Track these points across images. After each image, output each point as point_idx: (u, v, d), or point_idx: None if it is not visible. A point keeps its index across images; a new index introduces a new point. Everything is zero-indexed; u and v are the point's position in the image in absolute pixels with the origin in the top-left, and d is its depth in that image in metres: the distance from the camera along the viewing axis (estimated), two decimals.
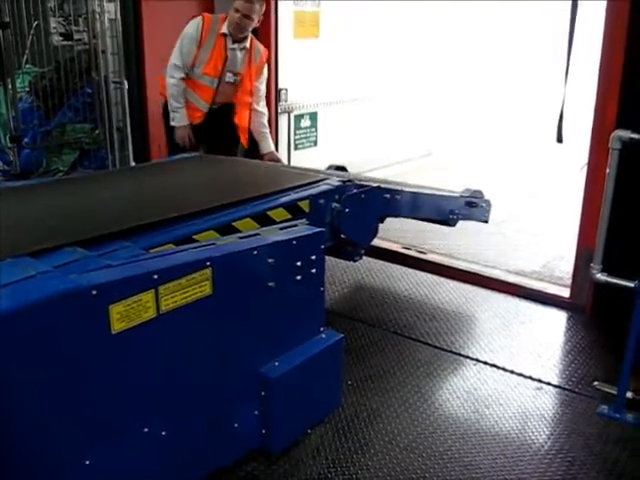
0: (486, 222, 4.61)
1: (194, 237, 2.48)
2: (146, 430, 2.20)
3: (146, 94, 5.14)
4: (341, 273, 4.69)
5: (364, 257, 4.56)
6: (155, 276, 2.09)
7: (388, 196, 3.49)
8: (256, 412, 2.59)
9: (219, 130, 4.55)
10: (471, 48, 8.42)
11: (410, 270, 4.81)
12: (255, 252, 2.43)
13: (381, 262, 4.91)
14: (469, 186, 4.51)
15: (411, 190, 3.85)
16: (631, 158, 3.15)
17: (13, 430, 1.85)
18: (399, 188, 3.68)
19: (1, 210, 2.68)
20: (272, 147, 4.86)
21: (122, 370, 2.09)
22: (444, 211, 4.17)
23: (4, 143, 4.49)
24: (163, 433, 2.25)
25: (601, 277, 3.15)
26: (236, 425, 2.54)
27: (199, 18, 4.47)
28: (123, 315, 2.02)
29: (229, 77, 4.51)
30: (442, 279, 4.65)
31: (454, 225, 4.30)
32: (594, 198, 3.84)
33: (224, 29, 4.41)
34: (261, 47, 4.72)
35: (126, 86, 4.74)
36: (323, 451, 2.83)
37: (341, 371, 2.95)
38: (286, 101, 5.82)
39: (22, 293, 1.86)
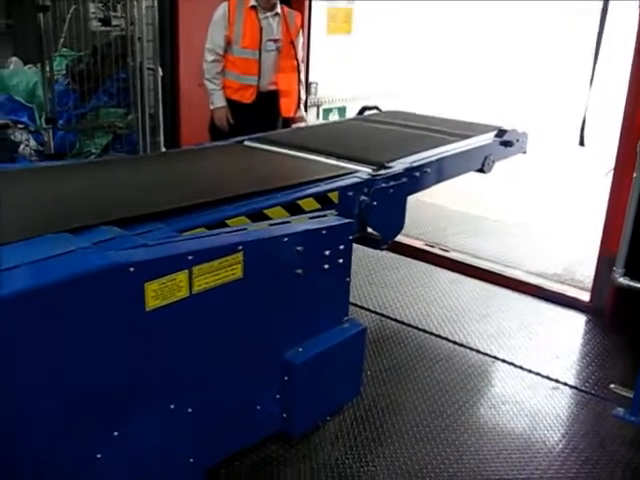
0: (525, 153, 4.54)
1: (226, 222, 2.54)
2: (172, 407, 2.26)
3: (179, 82, 5.21)
4: (364, 267, 4.74)
5: (387, 252, 4.64)
6: (190, 257, 2.15)
7: (418, 174, 3.46)
8: (278, 396, 2.65)
9: (268, 112, 4.62)
10: (500, 48, 8.44)
11: (433, 267, 4.85)
12: (285, 239, 2.48)
13: (404, 258, 4.95)
14: (501, 124, 4.41)
15: (441, 155, 3.73)
16: None
17: (51, 395, 1.92)
18: (430, 159, 3.60)
19: (40, 188, 2.76)
20: (302, 111, 4.96)
21: (153, 347, 2.15)
22: (478, 161, 4.08)
23: (39, 124, 4.59)
24: (189, 410, 2.31)
25: (623, 281, 3.18)
26: (259, 407, 2.59)
27: (225, 2, 4.59)
28: (157, 293, 2.09)
29: (270, 46, 4.58)
30: (464, 277, 4.69)
31: (489, 171, 4.16)
32: (618, 204, 3.87)
33: (252, 2, 4.52)
34: (293, 11, 4.83)
35: (160, 73, 4.82)
36: (341, 438, 2.90)
37: (362, 361, 3.00)
38: (316, 95, 5.88)
39: (64, 267, 1.93)
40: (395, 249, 4.80)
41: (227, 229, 2.46)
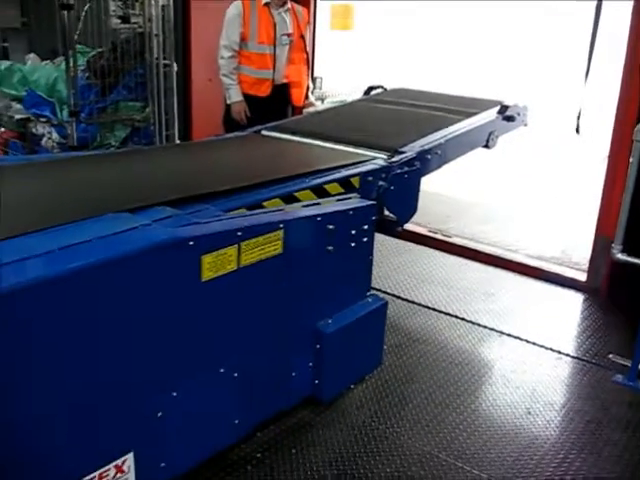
0: (526, 125, 4.72)
1: (263, 204, 2.76)
2: (222, 370, 2.49)
3: (191, 77, 5.43)
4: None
5: (393, 238, 4.89)
6: (239, 233, 2.38)
7: (429, 157, 3.65)
8: (310, 364, 2.89)
9: (280, 103, 4.83)
10: (493, 44, 8.67)
11: (437, 252, 5.09)
12: (319, 219, 2.72)
13: (409, 243, 5.19)
14: (503, 100, 4.57)
15: (450, 136, 3.90)
16: None
17: (125, 354, 2.14)
18: (439, 142, 3.77)
19: (87, 174, 2.98)
20: (312, 97, 5.23)
21: (207, 315, 2.38)
22: (483, 138, 4.26)
23: (61, 117, 4.78)
24: (235, 375, 2.54)
25: (621, 257, 3.45)
26: (294, 374, 2.83)
27: (237, 1, 4.78)
28: (212, 265, 2.32)
29: (284, 40, 4.83)
30: (467, 261, 4.94)
31: (493, 146, 4.33)
32: (613, 187, 4.14)
33: (264, 0, 4.75)
34: (300, 7, 5.07)
35: (175, 68, 5.02)
36: (366, 404, 3.14)
37: (383, 334, 3.24)
38: (321, 89, 6.10)
39: (131, 241, 2.15)
40: (401, 235, 5.04)
41: (267, 209, 2.69)
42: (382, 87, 5.05)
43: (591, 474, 2.76)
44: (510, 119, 4.45)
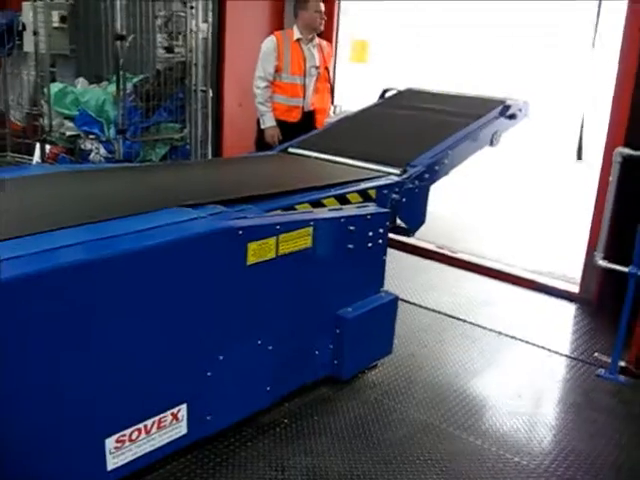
0: (528, 118, 4.99)
1: (295, 207, 3.27)
2: (259, 342, 2.99)
3: (223, 102, 6.00)
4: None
5: (403, 252, 5.39)
6: (277, 227, 2.90)
7: (437, 167, 4.08)
8: (331, 345, 3.38)
9: (307, 128, 5.35)
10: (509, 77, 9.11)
11: (443, 265, 5.60)
12: (342, 220, 3.24)
13: (418, 257, 5.70)
14: (505, 99, 4.84)
15: (458, 143, 4.23)
16: (629, 171, 3.95)
17: (177, 325, 2.63)
18: (447, 151, 4.14)
19: (150, 178, 3.52)
20: (332, 115, 5.81)
21: (249, 294, 2.88)
22: (487, 139, 4.57)
23: (108, 134, 5.33)
24: (270, 347, 3.03)
25: (602, 263, 3.94)
26: (317, 353, 3.32)
27: (272, 36, 5.36)
28: (255, 252, 2.82)
29: (313, 72, 5.40)
30: (470, 273, 5.43)
31: (497, 144, 4.60)
32: (603, 207, 4.62)
33: (296, 36, 5.32)
34: (325, 42, 5.63)
35: (211, 94, 5.58)
36: (378, 384, 3.62)
37: (394, 325, 3.72)
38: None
39: (194, 228, 2.67)
40: (410, 250, 5.60)
41: (299, 211, 3.20)
42: (395, 89, 5.51)
43: (570, 444, 3.22)
44: (512, 117, 4.77)
